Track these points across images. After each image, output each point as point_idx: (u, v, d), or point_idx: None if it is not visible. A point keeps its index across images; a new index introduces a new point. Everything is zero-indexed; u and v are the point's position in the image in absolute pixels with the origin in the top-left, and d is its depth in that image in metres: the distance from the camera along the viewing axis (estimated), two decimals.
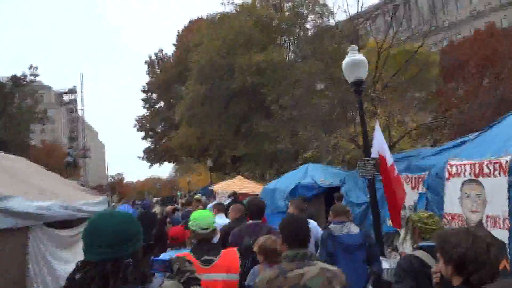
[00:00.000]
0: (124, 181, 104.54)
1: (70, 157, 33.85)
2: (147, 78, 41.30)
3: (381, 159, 5.76)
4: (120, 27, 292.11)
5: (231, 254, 3.26)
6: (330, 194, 10.68)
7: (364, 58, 6.04)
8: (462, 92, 18.04)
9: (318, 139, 12.52)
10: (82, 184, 34.38)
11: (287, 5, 26.82)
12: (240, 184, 15.02)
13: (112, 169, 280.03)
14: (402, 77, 13.03)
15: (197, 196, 13.08)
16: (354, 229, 4.34)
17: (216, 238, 5.00)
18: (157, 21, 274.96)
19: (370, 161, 5.80)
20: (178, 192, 53.41)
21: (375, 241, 4.69)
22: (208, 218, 3.34)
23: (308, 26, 26.41)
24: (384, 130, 10.20)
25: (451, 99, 18.34)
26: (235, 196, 12.77)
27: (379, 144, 5.80)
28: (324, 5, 25.60)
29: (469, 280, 1.86)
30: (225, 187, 15.21)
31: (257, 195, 13.77)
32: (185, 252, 3.20)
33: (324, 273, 2.38)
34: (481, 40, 24.80)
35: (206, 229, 3.24)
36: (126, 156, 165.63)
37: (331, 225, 4.52)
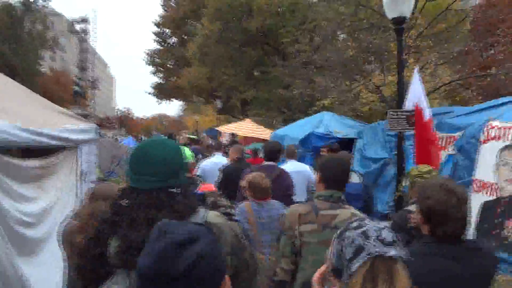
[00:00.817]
0: (132, 116, 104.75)
1: (77, 86, 33.24)
2: (161, 11, 39.74)
3: (417, 112, 5.07)
4: None
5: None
6: (343, 146, 10.15)
7: None
8: (494, 52, 16.79)
9: (339, 86, 11.64)
10: (86, 115, 34.14)
11: None
12: (249, 128, 14.44)
13: (121, 103, 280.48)
14: (434, 29, 11.93)
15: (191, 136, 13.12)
16: (355, 179, 4.48)
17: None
18: None
19: (403, 112, 5.10)
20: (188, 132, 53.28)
21: (373, 195, 4.52)
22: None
23: None
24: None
25: (479, 58, 17.22)
26: (234, 137, 12.49)
27: (417, 95, 5.08)
28: None
29: (435, 231, 1.92)
30: (233, 129, 14.66)
31: (264, 140, 13.30)
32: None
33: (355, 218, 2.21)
34: None
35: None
36: (135, 91, 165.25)
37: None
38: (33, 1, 44.80)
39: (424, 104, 5.04)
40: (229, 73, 23.83)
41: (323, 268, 1.42)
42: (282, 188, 4.44)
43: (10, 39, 42.59)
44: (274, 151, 4.81)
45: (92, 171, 4.73)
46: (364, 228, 1.31)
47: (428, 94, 11.00)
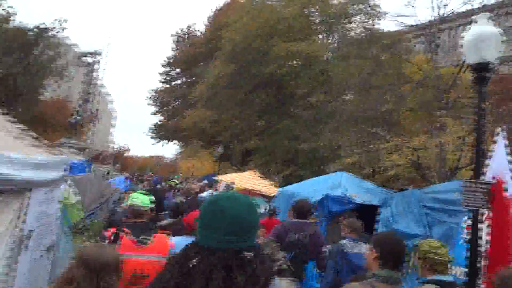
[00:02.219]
0: (129, 153, 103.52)
1: (76, 116, 32.25)
2: (169, 53, 39.70)
3: (498, 185, 3.76)
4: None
5: (163, 238, 3.32)
6: (362, 213, 8.80)
7: (496, 31, 4.04)
8: None
9: (366, 143, 10.51)
10: (83, 148, 32.83)
11: (334, 1, 24.78)
12: (252, 180, 13.04)
13: (120, 139, 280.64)
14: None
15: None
16: (367, 250, 3.59)
17: None
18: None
19: (482, 185, 3.79)
20: (176, 175, 51.83)
21: None
22: (145, 199, 3.45)
23: (353, 25, 24.32)
24: (455, 150, 8.26)
25: None
26: (229, 188, 11.83)
27: (501, 165, 3.80)
28: (375, 8, 23.52)
29: None
30: (235, 179, 13.27)
31: (265, 196, 11.92)
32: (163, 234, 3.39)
33: None
34: None
35: (141, 205, 3.37)
36: (134, 129, 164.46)
37: (344, 241, 4.33)
38: (48, 28, 44.99)
39: (508, 177, 3.76)
40: (235, 118, 22.82)
41: None
42: (317, 245, 4.56)
43: (20, 62, 42.40)
44: (307, 209, 4.89)
45: (48, 233, 3.24)
46: None
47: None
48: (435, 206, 6.57)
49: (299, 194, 9.66)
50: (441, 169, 8.86)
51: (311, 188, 9.49)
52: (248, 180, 12.79)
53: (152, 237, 3.23)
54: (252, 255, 1.40)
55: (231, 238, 1.40)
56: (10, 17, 42.87)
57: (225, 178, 14.44)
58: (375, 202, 8.41)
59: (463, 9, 15.21)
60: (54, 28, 44.42)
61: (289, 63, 20.33)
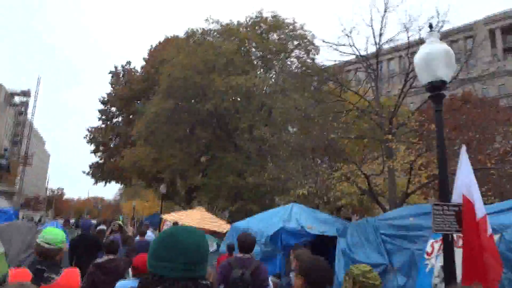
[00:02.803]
0: (64, 197, 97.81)
1: (3, 159, 29.80)
2: (108, 90, 38.40)
3: (467, 206, 3.63)
4: (96, 34, 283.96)
5: (73, 274, 3.21)
6: (317, 245, 8.50)
7: (448, 47, 4.01)
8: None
9: (309, 175, 10.34)
10: (11, 193, 30.12)
11: (272, 36, 25.46)
12: (200, 217, 12.40)
13: (54, 182, 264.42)
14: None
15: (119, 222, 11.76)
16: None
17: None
18: (132, 35, 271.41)
19: (450, 207, 3.61)
20: (120, 216, 49.32)
21: None
22: (57, 235, 3.26)
23: (292, 60, 25.10)
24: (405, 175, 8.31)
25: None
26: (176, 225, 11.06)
27: (466, 183, 3.66)
28: (312, 43, 24.45)
29: None
30: (181, 218, 12.56)
31: (216, 233, 11.38)
32: (22, 268, 3.16)
33: None
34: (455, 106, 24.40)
35: (51, 244, 3.16)
36: (70, 169, 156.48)
37: (291, 274, 4.64)
38: None
39: (475, 195, 3.62)
40: (176, 155, 22.05)
41: None
42: (260, 281, 4.54)
43: None
44: (251, 243, 4.89)
45: None
46: None
47: (416, 190, 10.13)
48: (392, 232, 6.42)
49: (251, 228, 9.23)
50: (391, 195, 8.88)
51: (264, 222, 9.11)
52: (195, 217, 12.15)
53: (56, 275, 3.05)
54: (208, 283, 1.50)
55: (190, 268, 1.47)
56: None
57: (170, 217, 13.68)
58: (331, 232, 8.16)
59: (401, 36, 16.10)
60: None
61: (230, 98, 20.18)
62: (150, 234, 11.95)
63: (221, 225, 12.17)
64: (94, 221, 25.50)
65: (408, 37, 9.80)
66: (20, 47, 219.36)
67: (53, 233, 3.27)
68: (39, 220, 31.88)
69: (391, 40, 10.29)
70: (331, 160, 15.03)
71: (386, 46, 10.83)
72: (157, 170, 25.74)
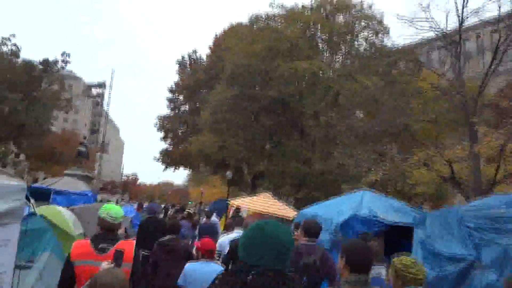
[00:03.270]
0: (138, 182, 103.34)
1: (83, 146, 31.82)
2: (175, 78, 39.56)
3: None
4: (159, 26, 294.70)
5: (128, 245, 3.37)
6: (390, 235, 7.97)
7: None
8: None
9: (387, 159, 9.71)
10: (90, 178, 32.20)
11: (338, 18, 24.48)
12: (267, 203, 12.23)
13: (128, 168, 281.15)
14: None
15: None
16: (385, 274, 3.93)
17: (225, 250, 5.61)
18: (196, 23, 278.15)
19: None
20: (190, 201, 51.12)
21: None
22: (119, 211, 3.52)
23: (359, 42, 23.98)
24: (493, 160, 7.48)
25: None
26: (238, 212, 12.27)
27: None
28: (381, 23, 23.16)
29: None
30: (248, 203, 12.49)
31: (290, 220, 11.16)
32: (84, 240, 3.57)
33: None
34: None
35: (113, 217, 3.39)
36: (143, 156, 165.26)
37: None
38: (53, 63, 45.47)
39: None
40: (240, 143, 22.10)
41: None
42: (327, 268, 4.44)
43: (26, 97, 42.74)
44: (316, 230, 4.80)
45: None
46: None
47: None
48: (481, 224, 5.74)
49: (320, 216, 8.89)
50: (476, 183, 8.03)
51: (333, 209, 8.69)
52: (262, 203, 12.02)
53: (113, 246, 3.29)
54: (293, 273, 1.66)
55: (278, 260, 1.60)
56: (16, 53, 43.56)
57: (237, 202, 13.70)
58: (406, 221, 7.58)
59: (488, 7, 14.58)
60: (58, 62, 45.05)
61: (294, 83, 19.69)
62: (214, 219, 12.80)
63: (288, 211, 11.91)
64: (167, 205, 26.58)
65: (499, 7, 8.71)
66: (92, 39, 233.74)
67: (115, 209, 3.52)
68: (117, 202, 33.76)
69: (476, 11, 9.23)
70: (403, 145, 14.22)
71: (469, 22, 9.77)
72: (223, 157, 26.12)
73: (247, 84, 20.85)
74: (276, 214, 11.58)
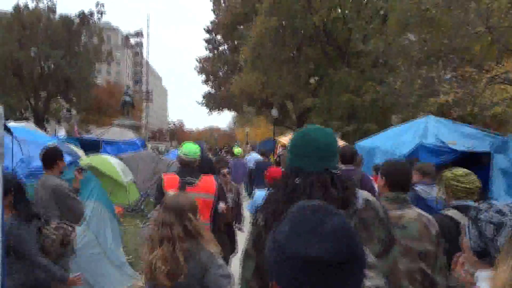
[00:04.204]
0: (184, 128, 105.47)
1: (127, 96, 32.11)
2: (212, 17, 38.08)
3: None
4: None
5: (209, 179, 3.87)
6: (463, 164, 7.14)
7: None
8: None
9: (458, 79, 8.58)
10: (137, 126, 32.75)
11: None
12: None
13: (173, 115, 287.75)
14: None
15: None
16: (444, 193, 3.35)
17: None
18: None
19: None
20: (236, 142, 51.58)
21: None
22: (192, 147, 3.95)
23: None
24: None
25: None
26: (285, 148, 10.48)
27: None
28: None
29: None
30: None
31: None
32: (172, 174, 3.94)
33: (421, 218, 2.50)
34: None
35: (188, 155, 3.85)
36: (187, 102, 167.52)
37: (418, 187, 4.07)
38: (89, 14, 45.30)
39: None
40: (284, 78, 21.02)
41: (461, 259, 1.73)
42: (367, 189, 3.87)
43: (67, 52, 43.42)
44: (350, 155, 4.89)
45: None
46: (497, 208, 1.52)
47: None
48: None
49: (379, 148, 8.13)
50: None
51: (394, 140, 7.87)
52: None
53: (198, 179, 3.77)
54: (339, 172, 1.74)
55: (323, 162, 1.70)
56: (53, 8, 43.64)
57: (284, 139, 13.15)
58: (481, 148, 6.67)
59: None
60: (94, 13, 44.82)
61: (339, 5, 18.00)
62: (254, 155, 13.54)
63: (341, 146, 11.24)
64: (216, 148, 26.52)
65: None
66: None
67: (189, 147, 3.94)
68: (166, 150, 34.55)
69: None
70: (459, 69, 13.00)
71: None
72: (266, 95, 25.32)
73: (288, 14, 19.32)
74: None
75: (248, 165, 12.14)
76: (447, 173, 2.96)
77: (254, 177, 11.14)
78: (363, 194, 1.76)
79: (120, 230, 6.12)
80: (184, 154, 3.87)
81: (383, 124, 19.20)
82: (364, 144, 8.92)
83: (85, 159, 10.31)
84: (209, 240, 2.44)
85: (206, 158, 8.39)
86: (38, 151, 5.18)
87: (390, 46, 16.51)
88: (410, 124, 8.43)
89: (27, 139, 6.16)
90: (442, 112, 10.67)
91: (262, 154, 12.43)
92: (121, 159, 11.57)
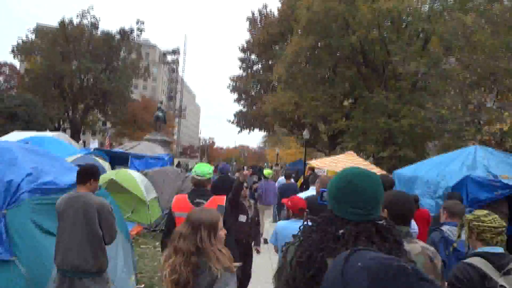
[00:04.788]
0: (215, 146, 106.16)
1: (160, 111, 32.37)
2: (247, 37, 38.23)
3: None
4: None
5: (219, 200, 3.91)
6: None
7: None
8: None
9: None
10: (168, 142, 32.84)
11: None
12: (354, 163, 10.87)
13: (205, 132, 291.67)
14: None
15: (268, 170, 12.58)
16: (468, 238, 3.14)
17: None
18: None
19: None
20: (266, 163, 50.94)
21: None
22: (205, 168, 4.10)
23: None
24: None
25: None
26: (313, 171, 11.24)
27: None
28: None
29: None
30: (329, 164, 11.24)
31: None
32: (183, 194, 4.08)
33: (425, 252, 2.38)
34: None
35: (201, 176, 3.99)
36: (219, 120, 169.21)
37: (445, 227, 3.86)
38: (129, 31, 46.65)
39: None
40: (318, 98, 20.41)
41: None
42: None
43: (107, 66, 44.83)
44: (390, 186, 4.54)
45: None
46: None
47: None
48: None
49: (422, 177, 7.42)
50: None
51: (439, 169, 7.15)
52: (344, 163, 10.68)
53: (207, 200, 3.81)
54: (384, 223, 1.60)
55: (368, 212, 1.57)
56: (96, 25, 45.27)
57: (317, 163, 12.52)
58: None
59: None
60: (134, 30, 46.18)
61: (379, 26, 17.34)
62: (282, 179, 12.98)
63: (377, 173, 10.54)
64: (246, 167, 26.19)
65: None
66: (164, 2, 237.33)
67: (202, 168, 4.09)
68: (191, 167, 34.45)
69: None
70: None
71: None
72: (299, 116, 24.73)
73: (325, 33, 18.83)
74: None
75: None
76: (468, 216, 2.81)
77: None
78: (413, 248, 1.64)
79: (135, 254, 5.64)
80: (196, 174, 4.00)
81: (421, 152, 18.27)
82: (403, 172, 8.21)
83: (110, 173, 10.08)
84: (222, 259, 2.38)
85: (227, 179, 8.43)
86: (54, 165, 4.88)
87: (431, 70, 15.80)
88: (456, 154, 7.67)
89: (48, 151, 5.89)
90: (484, 142, 9.91)
91: (286, 176, 12.18)
92: (145, 174, 11.29)
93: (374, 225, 1.55)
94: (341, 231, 1.53)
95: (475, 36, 14.36)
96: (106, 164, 12.55)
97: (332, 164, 10.79)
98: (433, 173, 7.18)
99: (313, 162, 12.18)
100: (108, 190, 9.34)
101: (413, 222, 4.09)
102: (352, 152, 11.97)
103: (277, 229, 4.34)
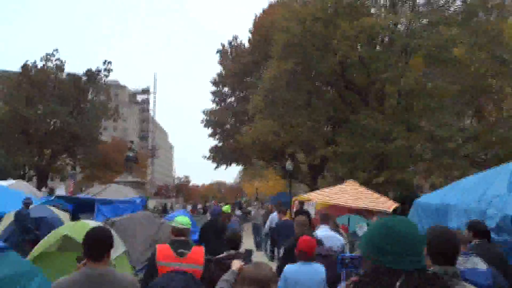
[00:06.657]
0: (190, 183, 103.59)
1: (131, 151, 30.70)
2: (218, 70, 37.29)
3: None
4: (196, 16, 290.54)
5: (199, 251, 4.05)
6: None
7: None
8: None
9: None
10: (140, 183, 30.85)
11: None
12: (355, 193, 9.38)
13: (180, 170, 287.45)
14: None
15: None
16: (481, 265, 3.28)
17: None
18: (234, 8, 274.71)
19: None
20: (242, 197, 49.10)
21: (507, 285, 3.35)
22: (186, 219, 4.31)
23: None
24: None
25: None
26: (302, 206, 10.08)
27: None
28: None
29: None
30: (325, 197, 9.74)
31: (388, 214, 8.33)
32: (165, 245, 4.07)
33: None
34: None
35: (184, 225, 4.15)
36: (193, 157, 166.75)
37: None
38: (96, 72, 45.55)
39: None
40: (302, 124, 19.11)
41: None
42: None
43: (74, 108, 43.37)
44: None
45: None
46: None
47: None
48: None
49: (456, 205, 5.98)
50: None
51: (477, 194, 5.72)
52: (349, 193, 9.19)
53: (189, 251, 3.96)
54: (433, 271, 1.66)
55: (417, 259, 1.53)
56: (61, 67, 43.74)
57: (304, 197, 11.06)
58: None
59: None
60: (101, 71, 44.98)
61: (361, 43, 16.51)
62: (274, 215, 11.91)
63: (385, 202, 9.06)
64: (222, 204, 24.56)
65: None
66: (132, 43, 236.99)
67: (183, 219, 4.31)
68: (170, 207, 32.53)
69: None
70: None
71: None
72: (279, 145, 23.39)
73: (303, 56, 17.81)
74: (370, 207, 8.75)
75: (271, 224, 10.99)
76: None
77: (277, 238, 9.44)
78: None
79: None
80: (179, 223, 4.12)
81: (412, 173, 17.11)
82: (428, 201, 6.68)
83: (64, 227, 8.21)
84: None
85: (215, 223, 8.08)
86: None
87: (417, 86, 14.98)
88: (492, 173, 6.26)
89: None
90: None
91: (279, 211, 11.18)
92: (112, 224, 9.42)
93: (424, 274, 1.51)
94: (399, 283, 1.47)
95: (460, 50, 13.80)
96: (65, 216, 10.68)
97: (334, 197, 9.27)
98: (469, 200, 5.76)
99: (313, 195, 10.61)
100: (61, 249, 7.50)
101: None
102: (353, 181, 10.56)
103: (286, 274, 4.18)
